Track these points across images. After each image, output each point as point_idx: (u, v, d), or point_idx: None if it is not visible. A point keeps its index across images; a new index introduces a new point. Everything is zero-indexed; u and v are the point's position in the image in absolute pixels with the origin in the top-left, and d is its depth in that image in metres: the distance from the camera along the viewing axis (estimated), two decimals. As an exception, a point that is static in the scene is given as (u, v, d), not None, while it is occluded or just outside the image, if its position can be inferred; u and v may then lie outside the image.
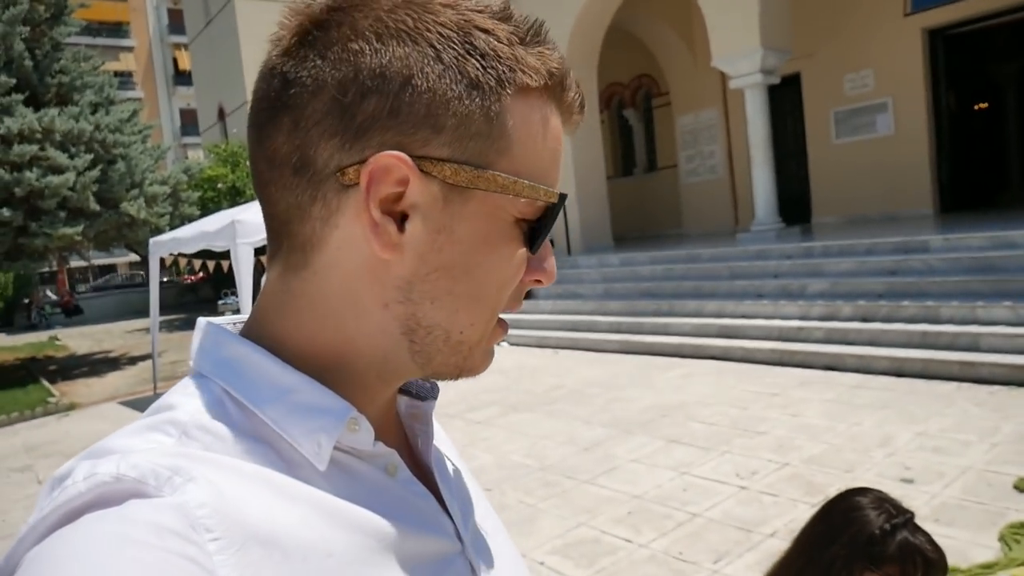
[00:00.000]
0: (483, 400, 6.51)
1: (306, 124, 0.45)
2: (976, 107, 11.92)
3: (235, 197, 17.71)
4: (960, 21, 10.04)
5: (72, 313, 25.36)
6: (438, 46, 0.44)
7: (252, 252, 6.78)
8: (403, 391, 0.58)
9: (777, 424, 4.89)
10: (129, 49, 40.68)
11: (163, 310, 11.96)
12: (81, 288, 32.89)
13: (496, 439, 5.34)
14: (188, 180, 14.21)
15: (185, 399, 0.46)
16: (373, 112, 0.44)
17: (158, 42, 41.41)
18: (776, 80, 9.62)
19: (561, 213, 0.53)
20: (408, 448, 0.57)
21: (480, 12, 0.47)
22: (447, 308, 0.48)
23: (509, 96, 0.46)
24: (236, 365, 0.48)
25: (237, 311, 10.46)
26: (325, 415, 0.46)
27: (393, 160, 0.44)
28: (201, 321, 0.51)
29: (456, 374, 0.52)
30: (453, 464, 0.62)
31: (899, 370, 5.80)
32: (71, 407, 8.98)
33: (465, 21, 0.46)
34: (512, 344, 9.45)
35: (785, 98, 11.76)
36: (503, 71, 0.46)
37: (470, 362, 0.51)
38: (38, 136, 10.67)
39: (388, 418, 0.55)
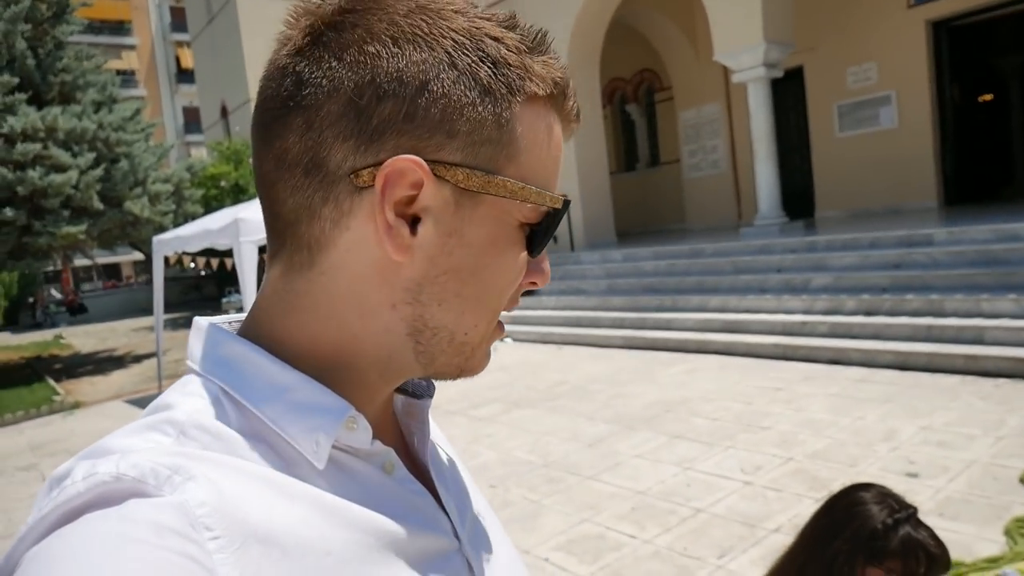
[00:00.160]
0: (486, 397, 6.52)
1: (320, 125, 0.45)
2: (980, 99, 11.86)
3: (238, 194, 17.76)
4: (964, 13, 9.98)
5: (77, 311, 25.46)
6: (452, 52, 0.45)
7: (255, 250, 6.79)
8: (399, 389, 0.58)
9: (781, 419, 4.88)
10: (131, 47, 40.72)
11: (167, 308, 12.00)
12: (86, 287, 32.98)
13: (499, 436, 5.35)
14: (191, 178, 14.23)
15: (183, 398, 0.46)
16: (389, 116, 0.44)
17: (160, 40, 41.44)
18: (779, 74, 9.59)
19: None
20: (404, 446, 0.57)
21: (488, 20, 0.47)
22: (454, 310, 0.49)
23: (519, 103, 0.47)
24: (234, 364, 0.48)
25: (240, 309, 10.48)
26: (323, 414, 0.46)
27: (409, 164, 0.44)
28: (198, 320, 0.52)
29: (457, 374, 0.53)
30: (447, 454, 0.63)
31: (903, 364, 5.79)
32: (76, 406, 9.01)
33: (476, 28, 0.46)
34: (515, 340, 9.46)
35: (788, 92, 11.72)
36: (513, 79, 0.47)
37: (471, 363, 0.52)
38: (41, 135, 10.68)
39: (385, 416, 0.55)
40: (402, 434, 0.58)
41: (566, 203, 0.51)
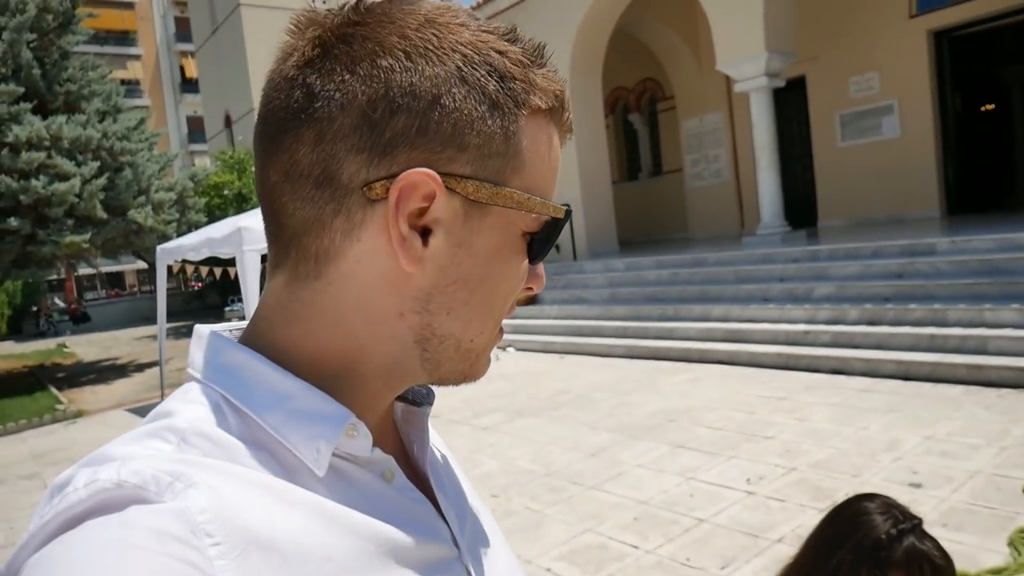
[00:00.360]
0: (488, 406, 6.50)
1: (333, 138, 0.45)
2: (982, 109, 11.87)
3: (241, 203, 17.82)
4: (966, 22, 10.01)
5: (80, 320, 25.48)
6: (462, 67, 0.46)
7: (258, 259, 6.80)
8: (399, 397, 0.59)
9: (784, 428, 4.87)
10: (136, 57, 40.93)
11: (170, 317, 12.00)
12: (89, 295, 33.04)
13: (501, 445, 5.33)
14: (195, 187, 14.28)
15: (184, 406, 0.46)
16: (402, 129, 0.45)
17: (165, 50, 41.66)
18: (781, 83, 9.62)
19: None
20: (404, 454, 0.58)
21: (491, 33, 0.48)
22: (462, 318, 0.50)
23: (524, 117, 0.48)
24: (235, 372, 0.48)
25: (243, 318, 10.47)
26: (324, 421, 0.46)
27: (422, 177, 0.45)
28: (199, 328, 0.52)
29: (460, 380, 0.53)
30: (440, 452, 0.63)
31: (906, 373, 5.77)
32: (78, 414, 9.01)
33: (482, 43, 0.47)
34: (518, 349, 9.45)
35: (790, 101, 11.75)
36: (519, 92, 0.48)
37: (475, 368, 0.53)
38: (46, 144, 10.73)
39: (386, 424, 0.56)
40: (402, 442, 0.59)
41: (568, 212, 0.52)
